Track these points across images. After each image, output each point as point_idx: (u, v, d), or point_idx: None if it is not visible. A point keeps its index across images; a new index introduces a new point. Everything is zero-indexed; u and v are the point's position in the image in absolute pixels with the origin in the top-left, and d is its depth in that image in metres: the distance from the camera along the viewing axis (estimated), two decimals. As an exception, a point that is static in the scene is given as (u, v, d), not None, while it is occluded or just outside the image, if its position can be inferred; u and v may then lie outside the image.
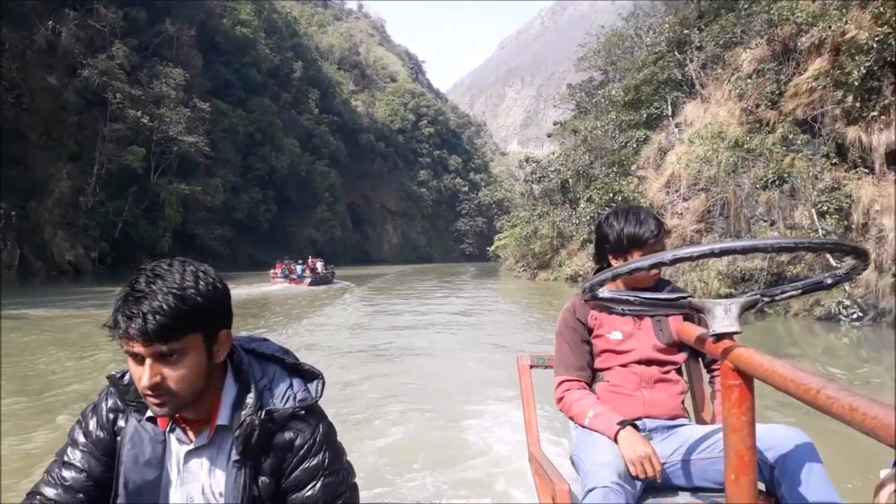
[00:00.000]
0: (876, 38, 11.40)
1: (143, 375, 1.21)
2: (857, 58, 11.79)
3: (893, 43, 11.15)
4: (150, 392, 1.22)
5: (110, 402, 1.39)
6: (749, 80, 15.13)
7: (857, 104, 12.19)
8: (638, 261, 1.31)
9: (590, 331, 2.22)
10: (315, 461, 1.33)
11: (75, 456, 1.36)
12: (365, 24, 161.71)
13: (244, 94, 77.47)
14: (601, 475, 1.79)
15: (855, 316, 11.37)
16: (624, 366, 2.16)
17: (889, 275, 10.79)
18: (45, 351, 10.14)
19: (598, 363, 2.21)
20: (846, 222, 12.06)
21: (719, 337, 1.18)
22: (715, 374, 2.27)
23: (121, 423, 1.36)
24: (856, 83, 11.87)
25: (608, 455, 1.89)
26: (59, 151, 47.06)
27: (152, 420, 1.34)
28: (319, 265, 36.99)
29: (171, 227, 54.24)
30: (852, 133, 12.32)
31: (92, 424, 1.38)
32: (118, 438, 1.35)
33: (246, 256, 68.40)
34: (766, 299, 1.29)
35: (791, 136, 13.48)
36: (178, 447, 1.35)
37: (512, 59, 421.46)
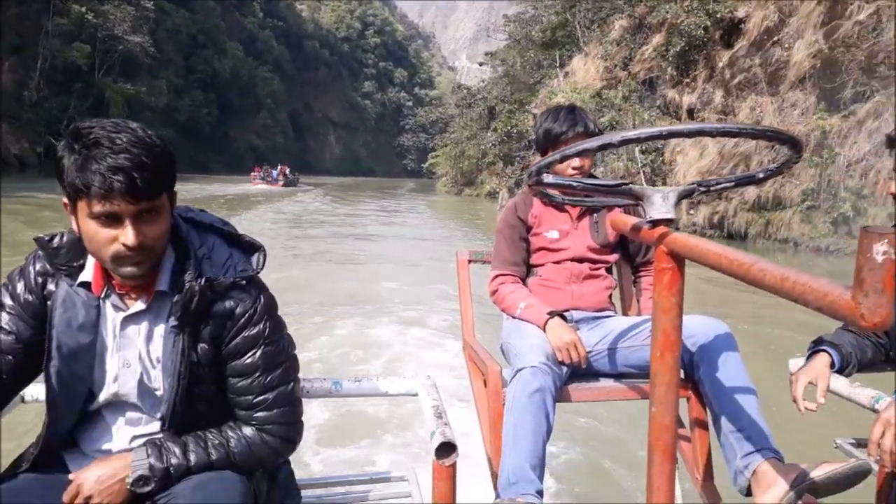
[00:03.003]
0: (689, 26, 15.92)
1: (123, 236, 1.18)
2: (675, 39, 16.33)
3: (698, 33, 15.72)
4: (130, 253, 1.20)
5: (38, 266, 1.34)
6: (612, 46, 19.59)
7: (675, 73, 16.88)
8: (585, 142, 1.30)
9: (528, 228, 2.28)
10: (255, 330, 1.34)
11: (2, 319, 1.32)
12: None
13: (187, -6, 76.66)
14: (529, 357, 1.86)
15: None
16: (557, 262, 2.24)
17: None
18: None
19: (533, 259, 2.29)
20: (661, 158, 16.95)
21: (655, 223, 1.21)
22: (641, 274, 2.38)
23: (50, 286, 1.32)
24: (671, 58, 16.53)
25: (537, 339, 1.98)
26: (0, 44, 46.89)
27: (84, 285, 1.32)
28: (288, 171, 45.32)
29: (115, 126, 55.19)
30: (671, 94, 17.05)
31: (20, 288, 1.33)
32: (48, 303, 1.31)
33: (187, 160, 69.57)
34: (701, 189, 1.32)
35: (631, 93, 18.12)
36: (113, 313, 1.33)
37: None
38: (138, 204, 1.17)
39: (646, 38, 18.60)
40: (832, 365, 1.74)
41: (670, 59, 16.56)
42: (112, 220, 1.18)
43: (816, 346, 1.80)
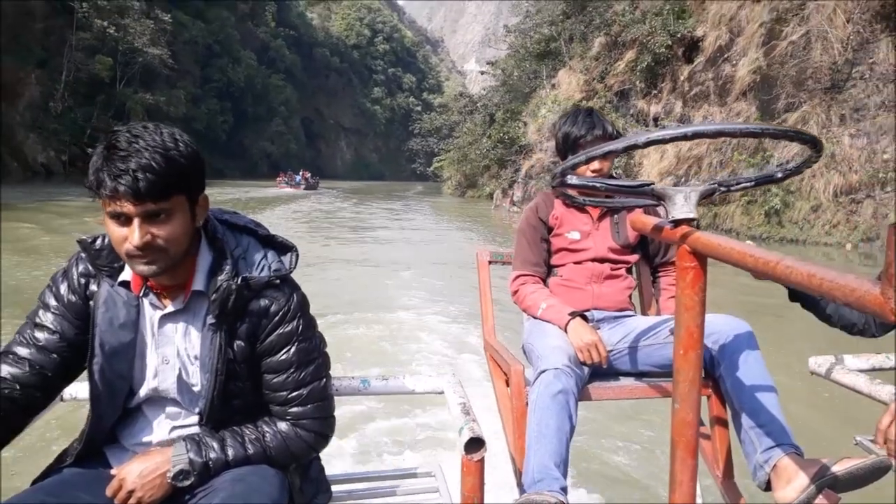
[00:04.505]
0: (655, 44, 18.07)
1: (131, 235, 1.23)
2: (643, 56, 18.49)
3: (661, 50, 17.86)
4: (139, 252, 1.24)
5: (81, 268, 1.39)
6: (592, 61, 21.80)
7: (643, 86, 19.04)
8: (612, 143, 1.30)
9: (550, 229, 2.32)
10: (289, 327, 1.38)
11: (47, 318, 1.37)
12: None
13: (202, 5, 78.75)
14: (552, 359, 1.90)
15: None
16: (578, 263, 2.28)
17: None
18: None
19: (554, 260, 2.33)
20: (632, 161, 19.07)
21: (677, 223, 1.21)
22: (661, 274, 2.41)
23: (93, 287, 1.38)
24: (640, 73, 18.69)
25: (559, 341, 2.01)
26: (26, 57, 48.89)
27: (125, 285, 1.37)
28: (309, 176, 51.28)
29: (136, 135, 57.34)
30: (641, 104, 19.19)
31: (63, 289, 1.38)
32: (91, 302, 1.37)
33: (207, 167, 71.19)
34: (722, 189, 1.32)
35: (607, 104, 20.28)
36: (151, 312, 1.38)
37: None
38: (143, 205, 1.21)
39: (620, 55, 20.78)
40: None
41: (639, 73, 18.78)
42: (123, 219, 1.23)
43: None
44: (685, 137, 1.20)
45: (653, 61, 18.22)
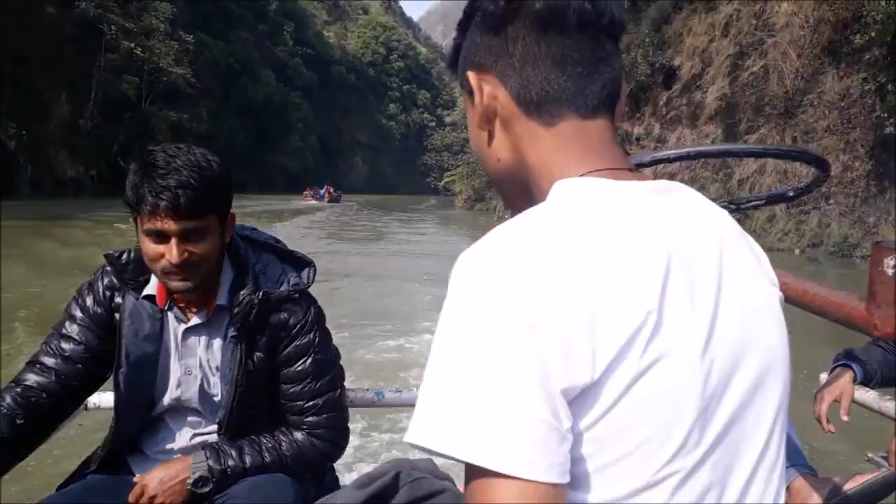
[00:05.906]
0: (638, 73, 20.03)
1: (169, 253, 1.27)
2: (627, 82, 20.34)
3: (642, 78, 19.81)
4: (176, 269, 1.29)
5: (106, 281, 1.44)
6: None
7: (628, 109, 20.93)
8: None
9: None
10: (306, 339, 1.44)
11: (73, 329, 1.41)
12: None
13: (224, 27, 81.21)
14: None
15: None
16: None
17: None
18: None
19: None
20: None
21: None
22: None
23: (118, 299, 1.42)
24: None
25: None
26: (58, 77, 50.90)
27: (149, 298, 1.41)
28: (332, 190, 55.29)
29: (161, 151, 59.42)
30: (625, 125, 21.10)
31: (89, 301, 1.43)
32: (116, 315, 1.41)
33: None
34: (732, 207, 1.32)
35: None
36: (175, 325, 1.43)
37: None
38: (182, 222, 1.26)
39: (608, 79, 22.67)
40: (855, 379, 1.74)
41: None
42: (160, 236, 1.28)
43: (842, 361, 1.82)
44: (689, 157, 1.25)
45: (636, 87, 20.15)
